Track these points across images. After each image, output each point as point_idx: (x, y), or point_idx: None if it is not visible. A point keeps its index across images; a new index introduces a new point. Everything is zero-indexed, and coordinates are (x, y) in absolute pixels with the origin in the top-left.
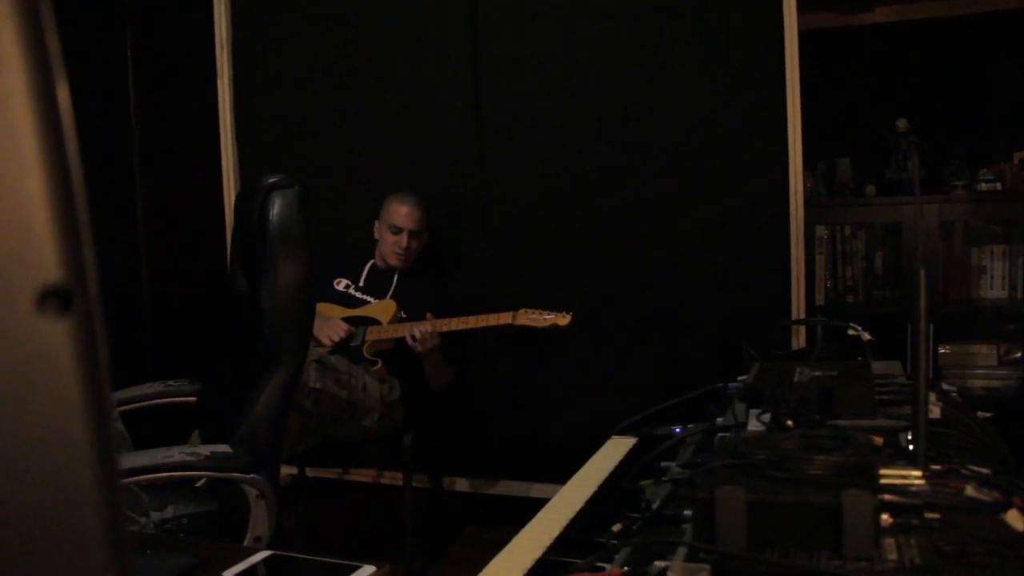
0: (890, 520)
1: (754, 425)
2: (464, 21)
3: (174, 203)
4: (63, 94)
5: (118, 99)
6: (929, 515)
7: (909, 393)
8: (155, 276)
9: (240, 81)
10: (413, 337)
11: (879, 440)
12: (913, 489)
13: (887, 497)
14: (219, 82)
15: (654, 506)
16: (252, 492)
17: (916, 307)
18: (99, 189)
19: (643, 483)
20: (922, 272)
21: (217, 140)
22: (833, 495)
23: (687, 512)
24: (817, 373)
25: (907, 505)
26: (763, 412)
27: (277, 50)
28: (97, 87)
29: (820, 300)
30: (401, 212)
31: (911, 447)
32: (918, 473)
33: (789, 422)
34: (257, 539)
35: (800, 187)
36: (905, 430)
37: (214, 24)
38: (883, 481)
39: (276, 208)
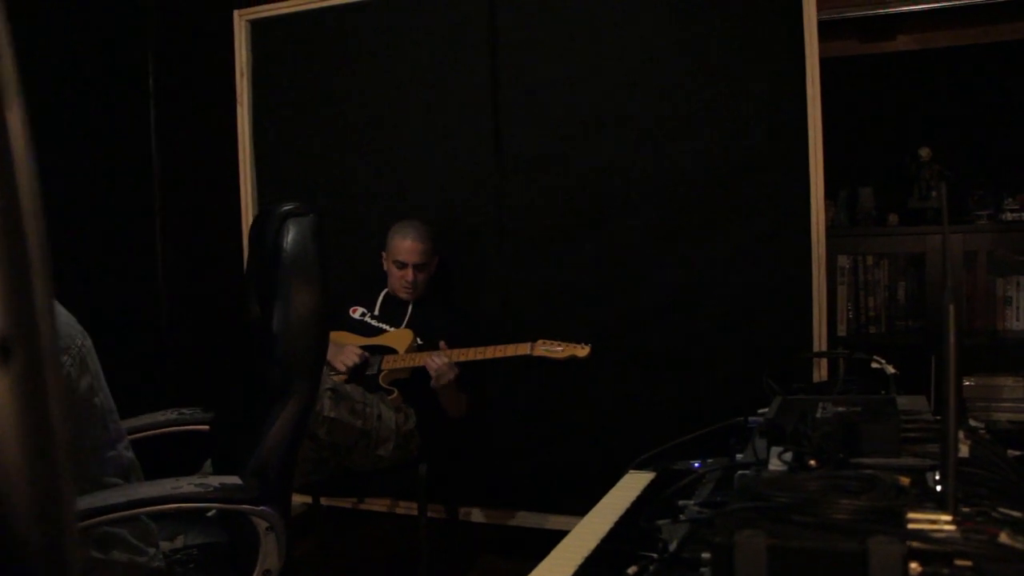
0: (919, 569)
1: (775, 464)
2: (484, 49)
3: (192, 229)
4: (14, 119)
5: (139, 125)
6: (960, 563)
7: (936, 430)
8: (172, 302)
9: (259, 108)
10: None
11: (905, 480)
12: (943, 535)
13: (915, 544)
14: (239, 109)
15: (671, 547)
16: (262, 524)
17: (946, 343)
18: (118, 215)
19: (660, 522)
20: (951, 307)
21: (236, 167)
22: (859, 542)
23: (705, 555)
24: (840, 409)
25: (937, 552)
26: (785, 450)
27: (297, 77)
28: (118, 113)
29: (842, 331)
30: (404, 247)
31: (939, 488)
32: (948, 517)
33: (812, 461)
34: (266, 572)
35: (822, 216)
36: (932, 469)
37: (234, 51)
38: (911, 526)
39: (290, 236)
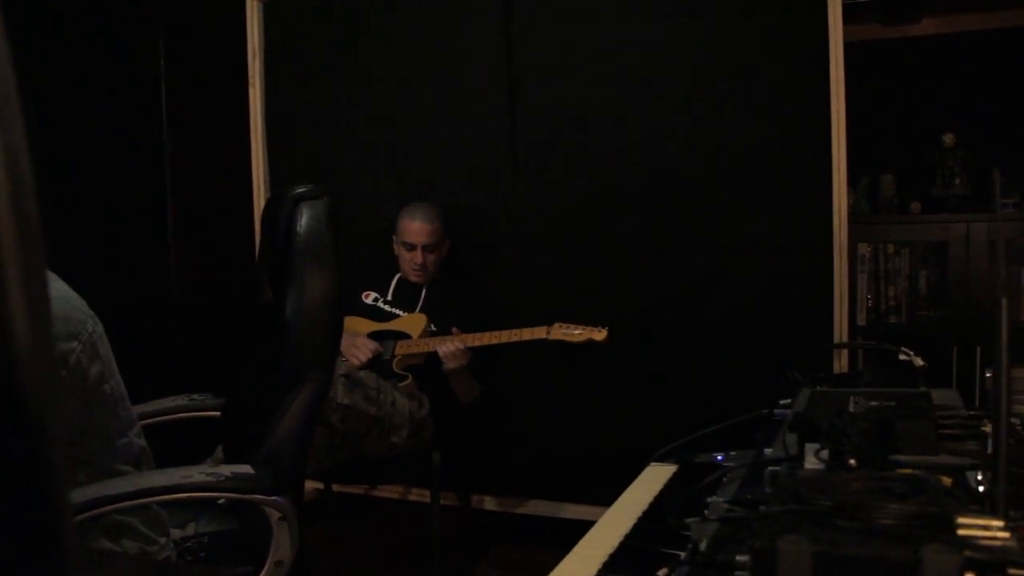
0: None
1: (812, 462)
2: (498, 32)
3: (204, 211)
4: None
5: (150, 107)
6: (1014, 572)
7: (972, 427)
8: (183, 285)
9: (272, 90)
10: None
11: (947, 481)
12: (998, 544)
13: (971, 553)
14: (251, 90)
15: (701, 547)
16: (274, 514)
17: (997, 338)
18: (130, 198)
19: (689, 520)
20: (1004, 301)
21: (248, 149)
22: (911, 550)
23: (739, 558)
24: (874, 403)
25: (990, 562)
26: (821, 447)
27: (309, 58)
28: (130, 95)
29: (862, 320)
30: (412, 228)
31: (981, 489)
32: (1000, 523)
33: (852, 461)
34: (278, 563)
35: (844, 203)
36: (972, 468)
37: (247, 32)
38: (961, 532)
39: (304, 219)
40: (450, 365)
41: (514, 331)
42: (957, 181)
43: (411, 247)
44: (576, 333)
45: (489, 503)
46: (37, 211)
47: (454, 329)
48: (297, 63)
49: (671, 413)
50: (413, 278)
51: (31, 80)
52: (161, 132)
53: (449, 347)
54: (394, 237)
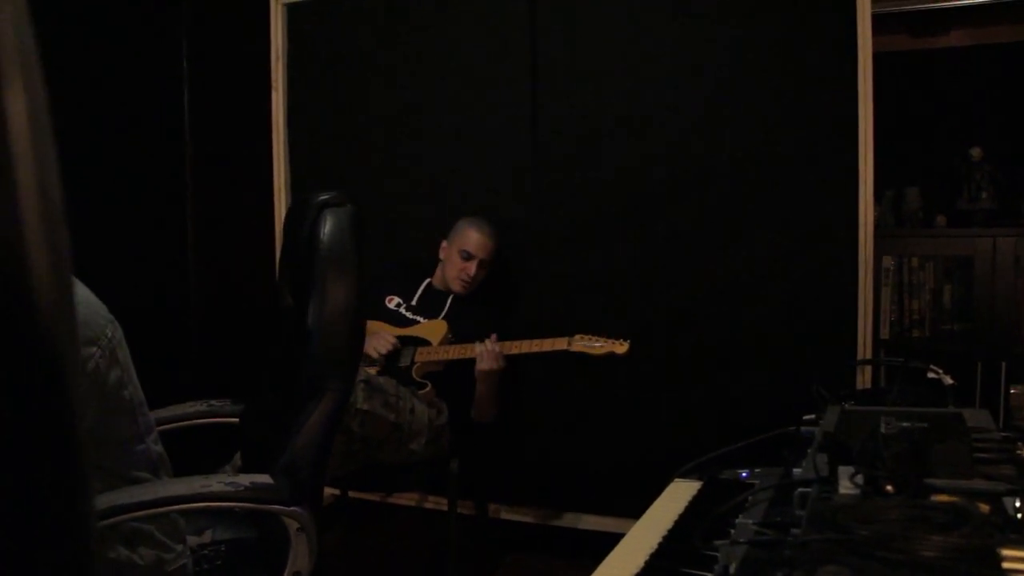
0: None
1: (846, 486)
2: (523, 39)
3: (224, 216)
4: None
5: (172, 110)
6: None
7: (1007, 450)
8: (202, 290)
9: (295, 94)
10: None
11: (985, 508)
12: None
13: None
14: (274, 94)
15: (731, 570)
16: (293, 525)
17: None
18: (150, 202)
19: (717, 542)
20: None
21: (270, 153)
22: None
23: None
24: (905, 424)
25: None
26: (856, 472)
27: (333, 63)
28: (152, 98)
29: (885, 334)
30: (474, 239)
31: (1020, 516)
32: None
33: (888, 487)
34: (296, 574)
35: (870, 216)
36: (1010, 495)
37: (270, 36)
38: (1006, 565)
39: (327, 227)
40: (484, 366)
41: (535, 341)
42: (984, 195)
43: (469, 256)
44: (597, 346)
45: (506, 512)
46: (67, 236)
47: (492, 336)
48: (320, 66)
49: (693, 426)
50: (456, 287)
51: (51, 81)
52: (182, 135)
53: (484, 348)
54: (445, 243)
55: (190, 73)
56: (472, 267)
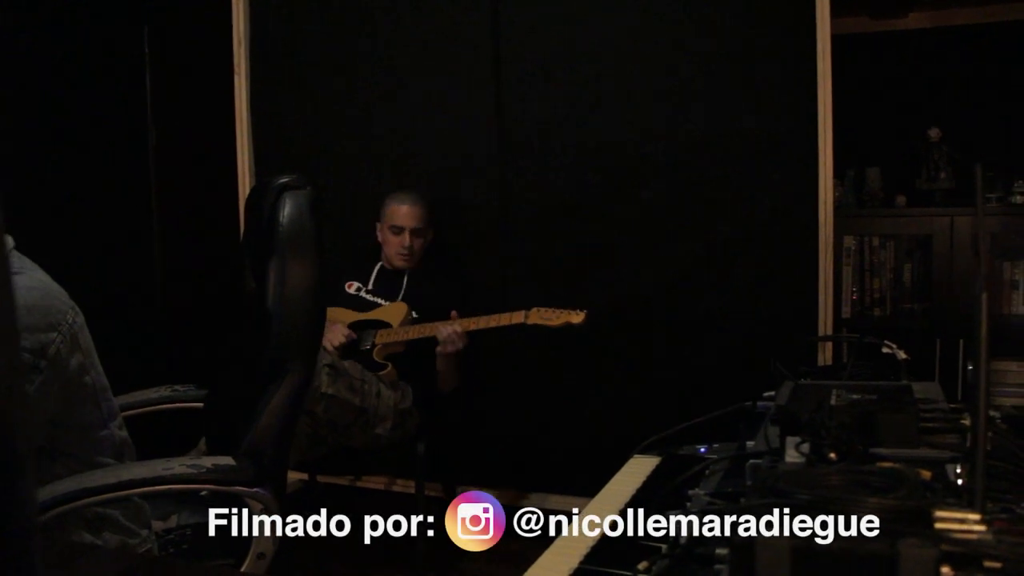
0: (951, 573)
1: (792, 455)
2: (486, 17)
3: (189, 200)
4: None
5: (134, 95)
6: (989, 564)
7: (953, 420)
8: (167, 275)
9: (257, 77)
10: (437, 339)
11: (927, 474)
12: (975, 537)
13: (948, 547)
14: (236, 78)
15: (681, 540)
16: (256, 506)
17: (977, 333)
18: (113, 187)
19: (669, 513)
20: (984, 297)
21: (233, 138)
22: (889, 544)
23: (719, 551)
24: (855, 396)
25: (967, 555)
26: (802, 441)
27: (295, 46)
28: (114, 82)
29: (846, 313)
30: (401, 211)
31: (960, 482)
32: (976, 517)
33: (832, 454)
34: (260, 556)
35: (830, 196)
36: (952, 461)
37: (232, 19)
38: (938, 525)
39: (287, 209)
40: (448, 349)
41: (492, 317)
42: (942, 175)
43: (399, 230)
44: (553, 317)
45: None
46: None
47: (453, 313)
48: (283, 51)
49: (656, 404)
50: (398, 263)
51: (12, 70)
52: (145, 121)
53: (449, 330)
54: (378, 224)
55: (152, 58)
56: (406, 238)
